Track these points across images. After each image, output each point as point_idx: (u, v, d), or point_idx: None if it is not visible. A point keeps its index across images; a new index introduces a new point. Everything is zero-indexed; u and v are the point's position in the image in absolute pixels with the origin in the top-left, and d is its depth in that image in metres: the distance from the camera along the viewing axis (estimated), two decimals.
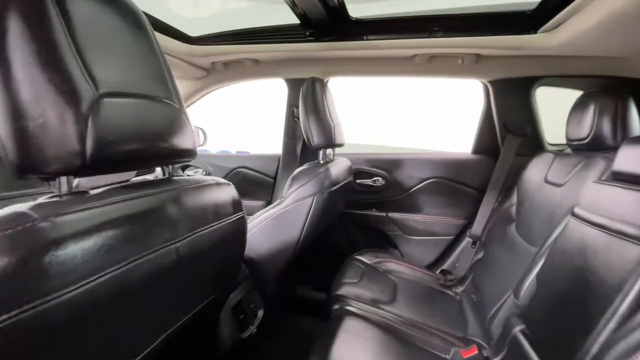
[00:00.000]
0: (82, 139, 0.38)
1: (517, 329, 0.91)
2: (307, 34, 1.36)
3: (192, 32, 1.49)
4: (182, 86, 1.76)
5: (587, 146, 1.04)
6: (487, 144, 1.58)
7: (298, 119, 1.69)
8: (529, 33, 1.12)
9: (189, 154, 0.56)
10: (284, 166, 1.82)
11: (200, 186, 0.58)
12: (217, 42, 1.50)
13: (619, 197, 0.73)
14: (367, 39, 1.33)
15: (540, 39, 1.11)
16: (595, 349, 0.60)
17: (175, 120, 0.52)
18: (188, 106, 1.84)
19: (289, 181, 1.19)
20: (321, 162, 1.28)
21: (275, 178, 1.87)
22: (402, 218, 1.70)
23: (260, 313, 1.10)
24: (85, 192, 0.42)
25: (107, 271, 0.38)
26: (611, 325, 0.61)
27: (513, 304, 1.01)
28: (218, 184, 0.64)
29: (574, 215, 0.85)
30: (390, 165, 1.72)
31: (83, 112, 0.38)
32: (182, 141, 0.53)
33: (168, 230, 0.47)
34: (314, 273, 1.71)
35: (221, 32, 1.48)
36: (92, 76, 0.40)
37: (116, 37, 0.46)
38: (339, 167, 1.29)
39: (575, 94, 1.52)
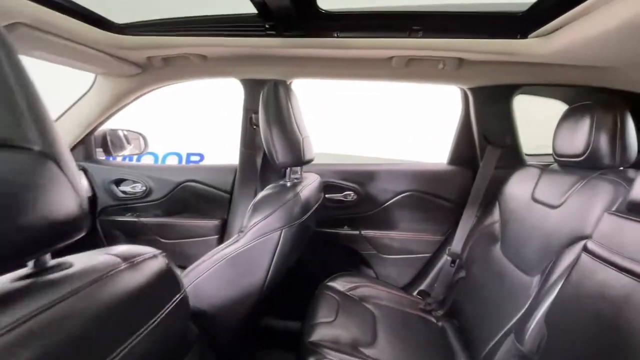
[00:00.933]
0: None
1: None
2: (267, 26, 1.13)
3: (120, 19, 1.17)
4: (109, 86, 1.42)
5: (581, 164, 0.95)
6: (464, 154, 1.48)
7: (257, 126, 1.46)
8: (519, 38, 1.01)
9: (71, 229, 0.31)
10: (241, 180, 1.57)
11: (101, 280, 0.34)
12: (153, 31, 1.20)
13: None
14: (338, 37, 1.14)
15: (531, 44, 1.00)
16: None
17: (35, 176, 0.27)
18: (118, 110, 1.50)
19: (249, 210, 0.96)
20: (288, 184, 1.06)
21: (231, 193, 1.62)
22: (376, 236, 1.55)
23: None
24: None
25: None
26: None
27: (513, 345, 0.89)
28: (132, 265, 0.39)
29: (588, 251, 0.74)
30: (362, 177, 1.55)
31: None
32: (52, 210, 0.28)
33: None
34: (280, 301, 1.51)
35: (158, 20, 1.18)
36: None
37: None
38: (310, 189, 1.09)
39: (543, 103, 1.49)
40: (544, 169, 1.13)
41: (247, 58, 1.32)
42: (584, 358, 0.66)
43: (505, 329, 0.94)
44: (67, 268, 0.33)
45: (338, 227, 1.58)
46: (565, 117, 1.02)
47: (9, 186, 0.26)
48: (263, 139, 1.07)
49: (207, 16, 1.15)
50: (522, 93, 1.32)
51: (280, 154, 1.03)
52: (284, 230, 0.91)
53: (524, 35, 1.00)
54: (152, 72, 1.42)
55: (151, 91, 1.48)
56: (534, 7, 0.94)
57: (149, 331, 0.38)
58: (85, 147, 1.62)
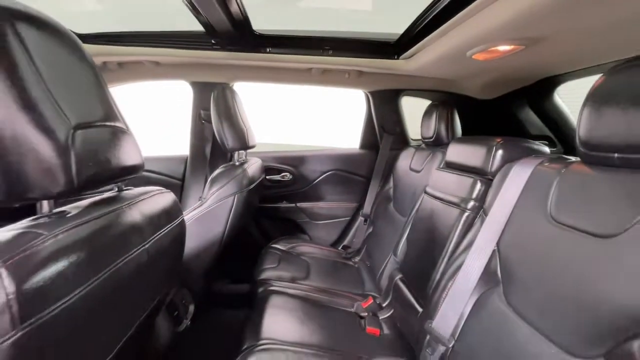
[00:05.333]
0: (67, 168, 0.45)
1: (397, 277, 1.27)
2: (213, 42, 1.44)
3: (80, 29, 1.37)
4: None
5: (432, 142, 1.47)
6: (370, 140, 1.97)
7: (205, 121, 1.74)
8: (393, 58, 1.49)
9: (137, 169, 0.63)
10: (192, 168, 1.84)
11: (150, 196, 0.67)
12: (110, 41, 1.42)
13: (449, 178, 1.12)
14: (270, 52, 1.50)
15: (401, 63, 1.49)
16: (438, 275, 0.95)
17: (124, 140, 0.58)
18: None
19: (208, 183, 1.28)
20: (237, 163, 1.40)
21: (183, 180, 1.88)
22: (308, 207, 1.96)
23: (192, 308, 1.18)
24: (64, 212, 0.48)
25: (99, 275, 0.47)
26: (445, 259, 0.98)
27: (393, 261, 1.37)
28: (161, 192, 0.72)
29: (426, 193, 1.23)
30: (295, 161, 1.94)
31: (63, 144, 0.45)
32: (130, 158, 0.60)
33: (139, 236, 0.56)
34: (232, 267, 1.82)
35: (116, 32, 1.41)
36: (64, 111, 0.46)
37: (69, 69, 0.52)
38: (254, 167, 1.44)
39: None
40: (417, 148, 1.65)
41: (196, 65, 1.61)
42: (421, 254, 1.14)
43: (391, 252, 1.41)
44: (130, 190, 0.66)
45: (278, 202, 1.95)
46: (425, 112, 1.54)
47: (117, 143, 0.57)
48: (215, 131, 1.38)
49: (162, 31, 1.41)
50: (407, 95, 1.85)
51: (230, 141, 1.36)
52: (236, 196, 1.26)
53: (397, 57, 1.48)
54: (105, 75, 1.61)
55: None
56: (399, 39, 1.42)
57: (173, 227, 0.71)
58: None
